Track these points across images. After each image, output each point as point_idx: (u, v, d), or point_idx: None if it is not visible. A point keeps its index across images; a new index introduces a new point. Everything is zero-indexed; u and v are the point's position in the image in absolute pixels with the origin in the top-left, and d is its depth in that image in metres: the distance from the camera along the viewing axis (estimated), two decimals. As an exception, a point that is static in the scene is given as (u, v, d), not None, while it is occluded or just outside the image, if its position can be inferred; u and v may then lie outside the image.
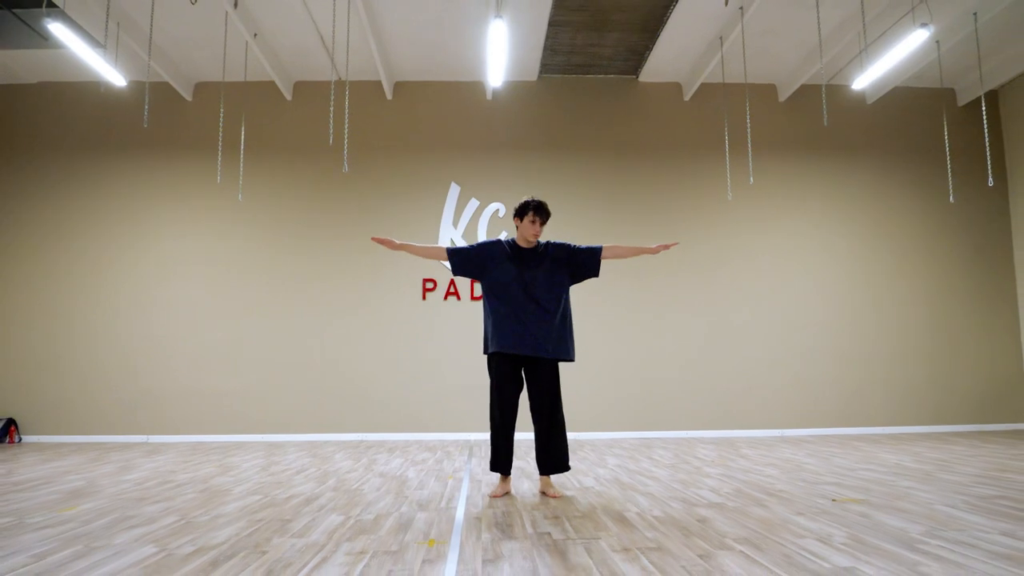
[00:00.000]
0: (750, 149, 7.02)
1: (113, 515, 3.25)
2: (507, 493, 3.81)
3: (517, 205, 3.92)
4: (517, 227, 3.93)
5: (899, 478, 4.32)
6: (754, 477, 4.43)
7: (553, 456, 3.80)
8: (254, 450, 6.53)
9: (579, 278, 3.93)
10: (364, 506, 3.47)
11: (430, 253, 3.98)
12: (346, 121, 7.34)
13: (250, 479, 4.50)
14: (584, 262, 3.89)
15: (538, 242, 3.95)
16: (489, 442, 3.91)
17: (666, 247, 3.91)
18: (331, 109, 7.40)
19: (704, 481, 4.27)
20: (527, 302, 3.77)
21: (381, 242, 3.84)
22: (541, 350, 3.75)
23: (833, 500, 3.53)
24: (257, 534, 2.82)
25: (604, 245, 3.92)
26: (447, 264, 4.00)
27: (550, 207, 3.91)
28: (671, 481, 4.29)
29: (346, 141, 7.29)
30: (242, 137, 7.78)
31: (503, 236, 4.06)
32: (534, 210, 3.85)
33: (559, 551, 2.52)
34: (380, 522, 3.07)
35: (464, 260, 3.91)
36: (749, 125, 7.49)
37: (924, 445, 6.44)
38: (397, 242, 3.85)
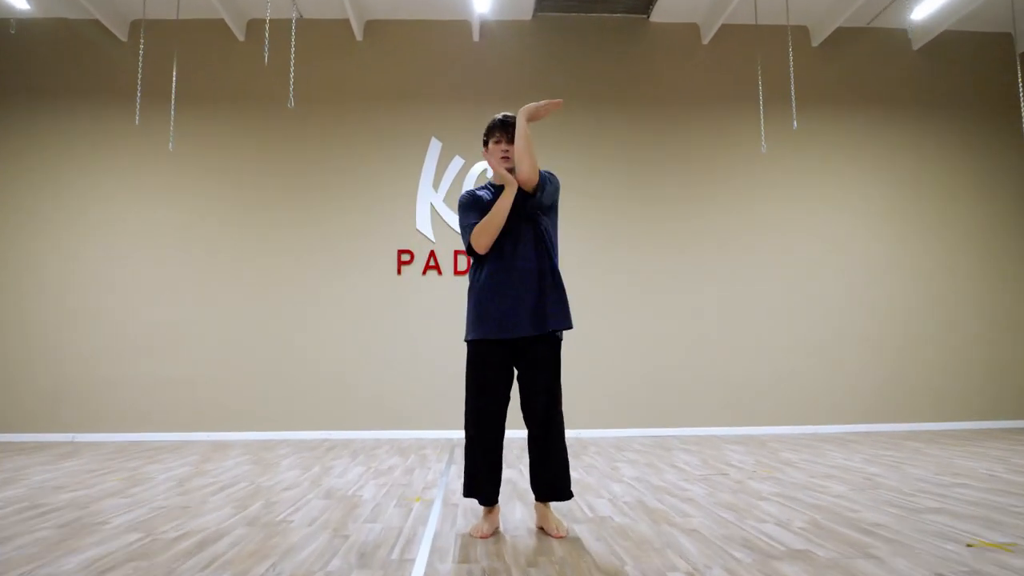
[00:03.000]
0: (794, 97, 5.90)
1: None
2: (495, 532, 2.68)
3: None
4: (487, 161, 2.81)
5: (1018, 499, 3.22)
6: (821, 498, 3.33)
7: (552, 476, 2.67)
8: (190, 453, 5.39)
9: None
10: (279, 556, 2.34)
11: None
12: (292, 52, 6.15)
13: (151, 501, 3.36)
14: (547, 190, 2.74)
15: None
16: (464, 459, 2.75)
17: (551, 105, 2.73)
18: (272, 50, 6.21)
19: (760, 506, 3.16)
20: (517, 261, 2.64)
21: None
22: (540, 324, 2.63)
23: (968, 545, 2.42)
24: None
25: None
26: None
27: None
28: (715, 505, 3.18)
29: (292, 73, 6.10)
30: (173, 83, 6.58)
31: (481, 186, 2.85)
32: (498, 127, 2.77)
33: None
34: (288, 596, 1.94)
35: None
36: (792, 69, 6.34)
37: (999, 447, 5.36)
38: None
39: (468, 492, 2.68)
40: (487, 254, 2.69)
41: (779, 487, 3.67)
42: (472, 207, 2.74)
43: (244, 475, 4.23)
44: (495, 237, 2.64)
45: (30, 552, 2.42)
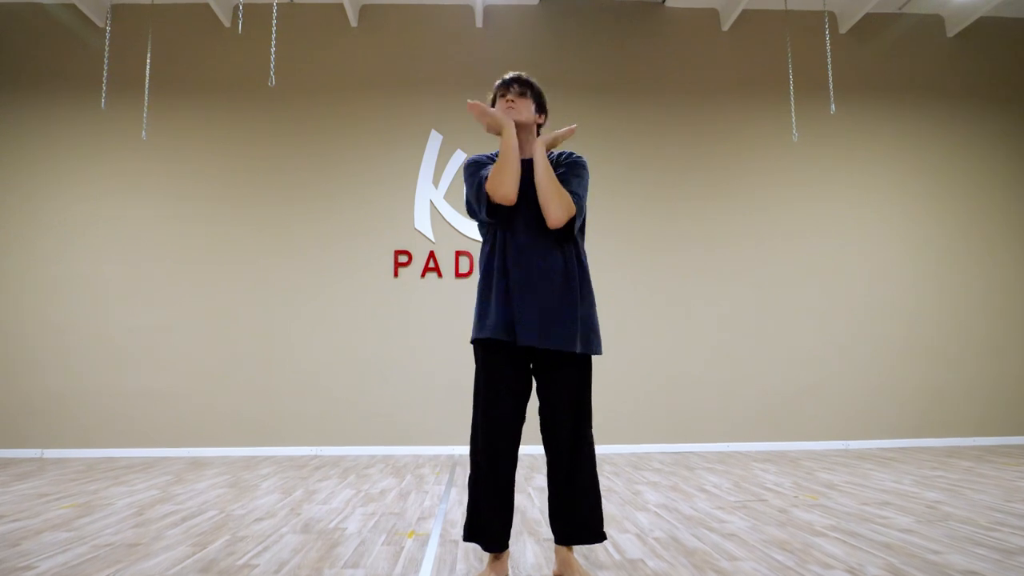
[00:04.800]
0: (831, 79, 5.39)
1: None
2: (500, 582, 2.17)
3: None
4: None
5: None
6: (888, 533, 2.81)
7: (581, 515, 2.16)
8: (163, 471, 4.88)
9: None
10: (228, 622, 1.84)
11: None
12: (273, 29, 5.68)
13: (96, 536, 2.86)
14: (582, 217, 2.27)
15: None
16: (467, 495, 2.23)
17: (568, 133, 2.28)
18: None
19: (818, 544, 2.64)
20: (534, 255, 2.14)
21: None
22: (560, 339, 2.12)
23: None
24: None
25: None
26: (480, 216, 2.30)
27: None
28: (765, 544, 2.66)
29: (273, 51, 5.64)
30: (146, 71, 6.12)
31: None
32: (504, 84, 2.29)
33: None
34: None
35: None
36: (829, 52, 5.84)
37: (1057, 466, 4.83)
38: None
39: (469, 535, 2.16)
40: (498, 238, 2.19)
41: (831, 517, 3.15)
42: (482, 165, 2.28)
43: (215, 501, 3.72)
44: (515, 184, 2.13)
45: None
